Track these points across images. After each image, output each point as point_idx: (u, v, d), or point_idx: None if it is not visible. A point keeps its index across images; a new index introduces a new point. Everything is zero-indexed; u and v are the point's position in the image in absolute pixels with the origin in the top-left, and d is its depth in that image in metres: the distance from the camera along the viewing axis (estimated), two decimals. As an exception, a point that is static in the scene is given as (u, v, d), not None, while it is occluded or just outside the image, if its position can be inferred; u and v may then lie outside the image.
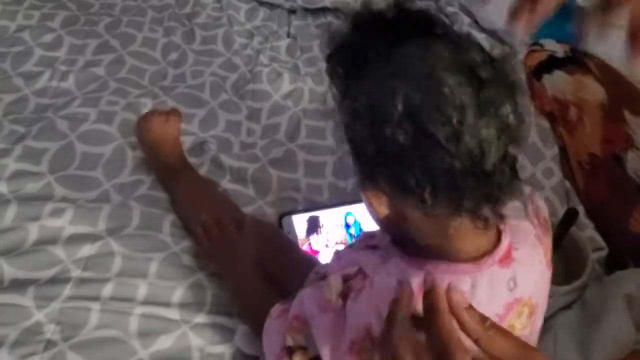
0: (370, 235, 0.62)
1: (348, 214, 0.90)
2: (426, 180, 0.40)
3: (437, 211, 0.42)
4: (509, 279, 0.47)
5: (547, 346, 0.69)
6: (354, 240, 0.66)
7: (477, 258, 0.46)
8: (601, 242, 0.88)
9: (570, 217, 0.81)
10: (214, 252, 0.76)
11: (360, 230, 0.90)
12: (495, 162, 0.40)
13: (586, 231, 0.88)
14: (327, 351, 0.48)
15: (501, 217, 0.43)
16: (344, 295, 0.48)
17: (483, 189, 0.41)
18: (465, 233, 0.44)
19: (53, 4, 1.20)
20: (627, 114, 0.92)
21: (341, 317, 0.47)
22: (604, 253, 0.86)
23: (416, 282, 0.44)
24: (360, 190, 0.47)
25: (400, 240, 0.49)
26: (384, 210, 0.46)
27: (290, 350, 0.53)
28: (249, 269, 0.70)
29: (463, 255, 0.45)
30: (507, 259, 0.47)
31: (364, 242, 0.56)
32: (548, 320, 0.71)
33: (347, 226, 0.90)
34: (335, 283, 0.49)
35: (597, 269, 0.83)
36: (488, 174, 0.40)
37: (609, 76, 0.93)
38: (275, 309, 0.58)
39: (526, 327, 0.50)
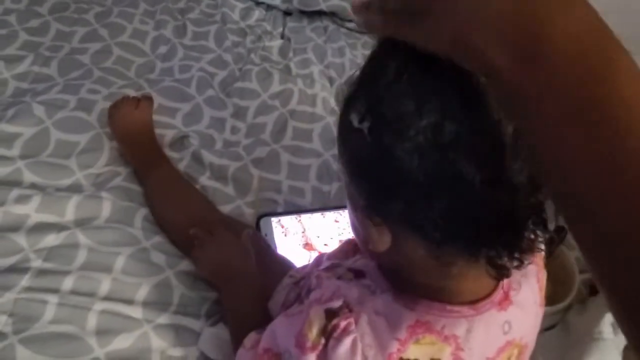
0: (353, 248, 0.58)
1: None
2: (445, 224, 0.35)
3: (446, 255, 0.37)
4: (504, 322, 0.44)
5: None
6: (334, 250, 0.62)
7: (475, 301, 0.42)
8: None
9: (559, 235, 0.78)
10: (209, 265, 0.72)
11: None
12: (525, 210, 0.36)
13: (575, 251, 0.85)
14: None
15: (521, 264, 0.38)
16: (327, 334, 0.42)
17: (508, 238, 0.36)
18: (469, 275, 0.40)
19: (44, -10, 1.17)
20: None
21: (322, 359, 0.42)
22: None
23: (406, 324, 0.41)
24: (361, 216, 0.42)
25: (391, 273, 0.45)
26: (384, 243, 0.41)
27: None
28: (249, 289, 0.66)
29: (461, 297, 0.42)
30: (505, 301, 0.44)
31: (347, 263, 0.51)
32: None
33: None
34: (317, 319, 0.43)
35: (581, 289, 0.80)
36: (516, 223, 0.36)
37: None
38: (250, 339, 0.54)
39: None
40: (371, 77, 0.38)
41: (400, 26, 0.31)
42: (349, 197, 0.44)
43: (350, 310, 0.43)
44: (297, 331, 0.44)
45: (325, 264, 0.55)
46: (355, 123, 0.37)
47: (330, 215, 0.87)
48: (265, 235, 0.83)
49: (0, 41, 1.03)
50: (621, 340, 0.65)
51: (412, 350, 0.41)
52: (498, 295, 0.43)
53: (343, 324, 0.42)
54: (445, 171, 0.34)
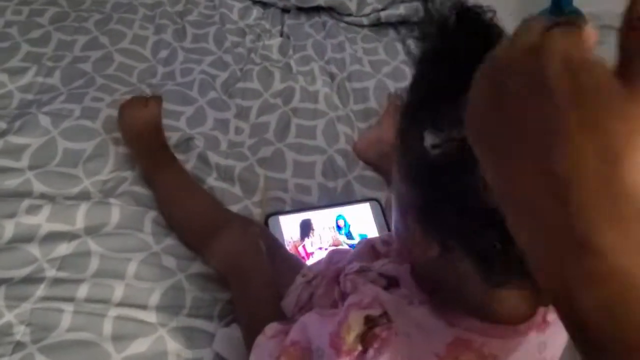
0: (371, 251, 0.58)
1: (339, 217, 0.87)
2: (504, 251, 0.33)
3: (497, 276, 0.36)
4: (540, 343, 0.44)
5: None
6: (354, 252, 0.61)
7: (516, 322, 0.41)
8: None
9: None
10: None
11: (350, 233, 0.87)
12: None
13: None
14: None
15: None
16: (365, 341, 0.42)
17: None
18: (513, 296, 0.40)
19: (43, 0, 1.18)
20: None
21: None
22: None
23: (444, 342, 0.40)
24: (411, 220, 0.40)
25: (429, 282, 0.44)
26: (431, 251, 0.39)
27: None
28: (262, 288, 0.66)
29: (502, 317, 0.41)
30: (543, 323, 0.44)
31: (375, 267, 0.51)
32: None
33: (339, 228, 0.87)
34: (355, 324, 0.42)
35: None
36: None
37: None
38: (271, 327, 0.54)
39: None
40: (451, 97, 0.37)
41: None
42: (397, 197, 0.42)
43: (390, 320, 0.42)
44: (333, 331, 0.44)
45: (353, 267, 0.54)
46: (434, 140, 0.36)
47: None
48: (274, 234, 0.84)
49: (3, 54, 1.04)
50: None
51: None
52: (538, 317, 0.43)
53: (384, 334, 0.41)
54: None
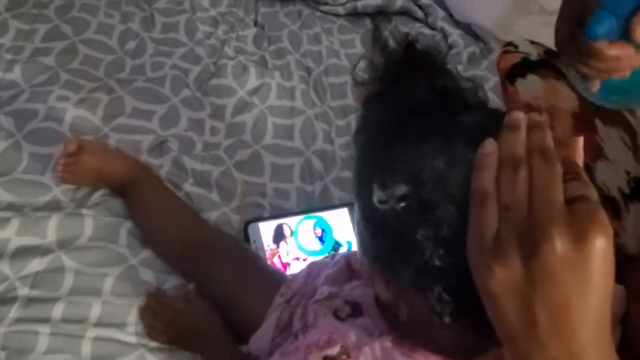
0: (350, 269, 0.58)
1: (316, 224, 0.87)
2: (450, 302, 0.36)
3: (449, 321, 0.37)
4: None
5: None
6: (332, 271, 0.61)
7: (472, 355, 0.42)
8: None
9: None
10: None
11: (332, 238, 0.87)
12: None
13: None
14: None
15: None
16: None
17: None
18: (466, 333, 0.39)
19: (-3, -17, 1.10)
20: (598, 123, 0.91)
21: None
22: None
23: None
24: (367, 260, 0.41)
25: (391, 314, 0.44)
26: (385, 295, 0.41)
27: None
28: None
29: (460, 352, 0.42)
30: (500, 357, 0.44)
31: (344, 291, 0.52)
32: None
33: (319, 234, 0.87)
34: None
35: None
36: None
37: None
38: None
39: None
40: (397, 150, 0.37)
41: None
42: (358, 234, 0.43)
43: (348, 356, 0.43)
44: None
45: (323, 291, 0.55)
46: (381, 197, 0.37)
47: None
48: (254, 242, 0.83)
49: (-45, 45, 0.97)
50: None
51: None
52: (492, 351, 0.43)
53: None
54: (459, 261, 0.34)
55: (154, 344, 0.69)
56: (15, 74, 0.95)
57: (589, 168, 0.88)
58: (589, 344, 0.31)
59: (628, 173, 0.86)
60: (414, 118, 0.38)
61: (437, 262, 0.35)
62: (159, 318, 0.68)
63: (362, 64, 0.41)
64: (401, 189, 0.36)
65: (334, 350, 0.44)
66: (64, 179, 0.81)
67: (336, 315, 0.49)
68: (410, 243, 0.35)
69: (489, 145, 0.33)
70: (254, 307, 0.64)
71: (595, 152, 0.88)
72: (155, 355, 0.69)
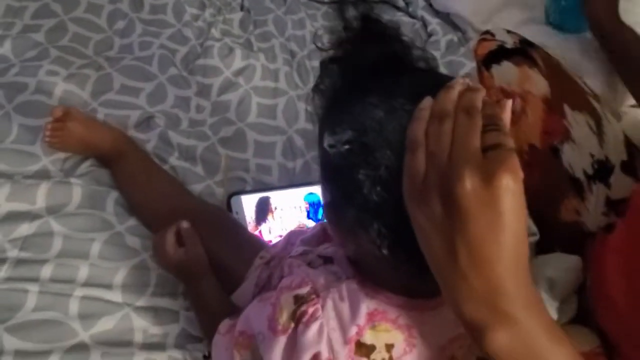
0: (324, 234, 0.62)
1: (308, 196, 0.90)
2: (387, 237, 0.40)
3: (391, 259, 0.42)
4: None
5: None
6: (307, 235, 0.65)
7: (432, 295, 0.45)
8: (534, 228, 0.93)
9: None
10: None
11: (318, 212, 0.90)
12: None
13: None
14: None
15: None
16: (296, 318, 0.46)
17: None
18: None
19: (-13, -39, 1.12)
20: (567, 108, 0.95)
21: (292, 340, 0.46)
22: (536, 238, 0.91)
23: (365, 311, 0.45)
24: (326, 213, 0.46)
25: (356, 263, 0.49)
26: (337, 237, 0.46)
27: None
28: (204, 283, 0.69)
29: (418, 292, 0.45)
30: None
31: (318, 250, 0.56)
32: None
33: (308, 209, 0.90)
34: (286, 305, 0.47)
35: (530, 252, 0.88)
36: None
37: (553, 70, 0.96)
38: (224, 325, 0.57)
39: (466, 355, 0.51)
40: (346, 103, 0.42)
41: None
42: (321, 189, 0.47)
43: (317, 296, 0.47)
44: (269, 314, 0.49)
45: (298, 250, 0.59)
46: (330, 141, 0.42)
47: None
48: (237, 213, 0.87)
49: (-54, 20, 0.99)
50: (557, 295, 0.73)
51: (368, 335, 0.45)
52: None
53: (310, 310, 0.46)
54: (394, 199, 0.38)
55: (138, 303, 0.73)
56: (5, 49, 0.98)
57: (556, 150, 0.93)
58: (506, 274, 0.35)
59: (592, 156, 0.90)
60: (363, 77, 0.42)
61: (376, 199, 0.39)
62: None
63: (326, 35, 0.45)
64: (347, 135, 0.40)
65: (304, 290, 0.47)
66: (52, 143, 0.84)
67: (309, 265, 0.53)
68: (353, 182, 0.40)
69: (425, 102, 0.38)
70: (234, 268, 0.68)
71: (563, 135, 0.92)
72: (139, 314, 0.72)
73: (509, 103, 0.39)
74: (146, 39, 1.07)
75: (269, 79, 1.07)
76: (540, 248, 0.91)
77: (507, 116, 0.39)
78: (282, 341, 0.47)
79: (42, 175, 0.83)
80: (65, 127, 0.83)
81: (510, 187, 0.34)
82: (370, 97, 0.41)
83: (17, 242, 0.74)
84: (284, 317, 0.47)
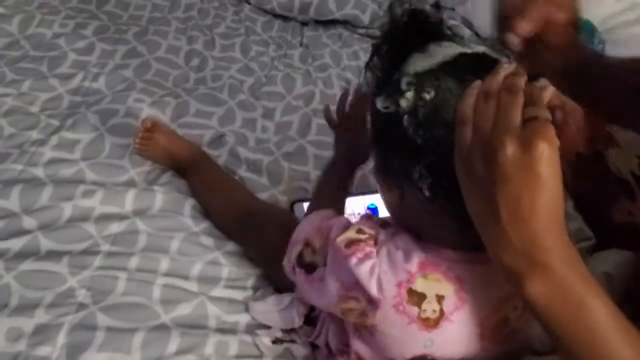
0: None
1: (371, 205, 0.96)
2: (431, 178, 0.46)
3: (436, 205, 0.48)
4: None
5: (531, 323, 0.74)
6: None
7: (484, 250, 0.47)
8: (589, 232, 0.93)
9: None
10: None
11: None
12: None
13: (575, 223, 0.93)
14: (333, 283, 0.53)
15: None
16: (351, 248, 0.52)
17: None
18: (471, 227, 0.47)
19: (86, 15, 1.31)
20: (608, 115, 0.97)
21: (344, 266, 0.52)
22: (591, 242, 0.92)
23: (416, 260, 0.50)
24: (376, 177, 0.53)
25: (407, 226, 0.54)
26: (393, 196, 0.52)
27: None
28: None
29: (469, 246, 0.49)
30: None
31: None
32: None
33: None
34: (350, 231, 0.53)
35: (585, 255, 0.88)
36: None
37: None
38: (319, 212, 0.64)
39: (520, 317, 0.55)
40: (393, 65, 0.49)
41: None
42: (372, 157, 0.54)
43: (376, 243, 0.52)
44: (339, 225, 0.55)
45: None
46: (382, 103, 0.49)
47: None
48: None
49: (53, 61, 1.16)
50: (615, 290, 0.74)
51: (420, 282, 0.49)
52: None
53: (367, 249, 0.51)
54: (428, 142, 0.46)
55: (212, 293, 0.80)
56: (100, 84, 1.13)
57: (601, 155, 0.95)
58: (541, 228, 0.40)
59: (639, 157, 0.91)
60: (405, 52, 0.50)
61: (418, 141, 0.46)
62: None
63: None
64: (397, 96, 0.48)
65: (370, 231, 0.53)
66: (140, 150, 0.96)
67: None
68: (398, 130, 0.47)
69: (475, 83, 0.44)
70: None
71: (607, 140, 0.94)
72: (213, 302, 0.79)
73: (550, 87, 0.44)
74: (218, 72, 1.20)
75: (328, 103, 1.16)
76: (597, 251, 0.91)
77: (547, 95, 0.43)
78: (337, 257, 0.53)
79: (130, 184, 0.94)
80: (153, 137, 0.95)
81: (546, 153, 0.38)
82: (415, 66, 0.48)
83: (108, 238, 0.84)
84: (341, 237, 0.53)
